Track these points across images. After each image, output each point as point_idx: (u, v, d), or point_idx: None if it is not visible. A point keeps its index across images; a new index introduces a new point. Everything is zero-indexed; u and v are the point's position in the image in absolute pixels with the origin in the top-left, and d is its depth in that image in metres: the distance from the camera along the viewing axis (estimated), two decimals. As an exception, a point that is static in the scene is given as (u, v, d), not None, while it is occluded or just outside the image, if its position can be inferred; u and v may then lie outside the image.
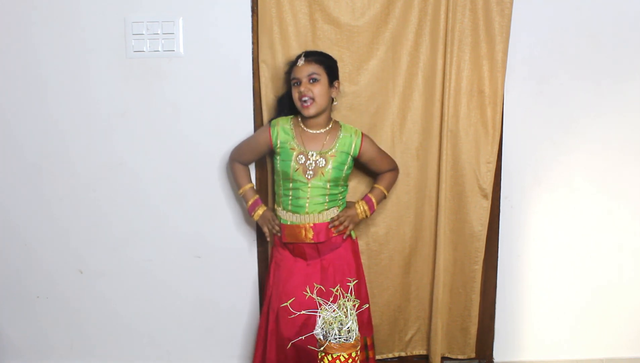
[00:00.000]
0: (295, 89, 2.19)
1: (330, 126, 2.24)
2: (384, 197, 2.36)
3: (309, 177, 2.20)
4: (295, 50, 2.33)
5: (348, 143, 2.23)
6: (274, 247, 2.34)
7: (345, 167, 2.24)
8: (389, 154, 2.38)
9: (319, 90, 2.17)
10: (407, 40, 2.38)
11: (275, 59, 2.37)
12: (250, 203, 2.34)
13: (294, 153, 2.20)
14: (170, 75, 2.43)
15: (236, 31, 2.40)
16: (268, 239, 2.34)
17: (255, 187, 2.41)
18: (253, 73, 2.42)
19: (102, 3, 2.38)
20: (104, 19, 2.39)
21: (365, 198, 2.32)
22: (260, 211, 2.33)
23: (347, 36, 2.37)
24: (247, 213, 2.41)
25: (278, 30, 2.36)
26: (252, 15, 2.39)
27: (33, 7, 2.39)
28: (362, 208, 2.30)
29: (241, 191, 2.36)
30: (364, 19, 2.36)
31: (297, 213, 2.22)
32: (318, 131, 2.23)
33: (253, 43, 2.40)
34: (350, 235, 2.31)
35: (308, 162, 2.20)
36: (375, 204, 2.32)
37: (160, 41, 2.40)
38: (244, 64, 2.42)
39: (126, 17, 2.39)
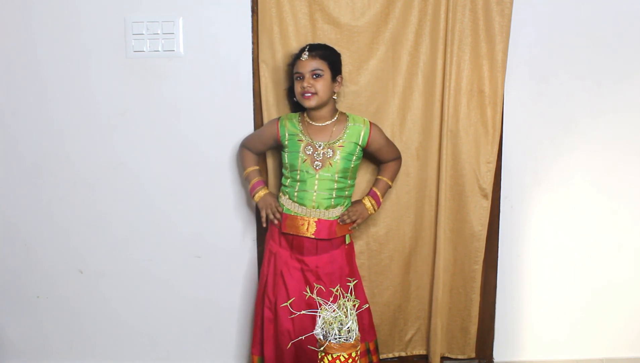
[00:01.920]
0: (298, 83, 2.19)
1: (336, 117, 2.25)
2: (389, 187, 2.36)
3: (317, 168, 2.20)
4: (295, 50, 2.32)
5: (357, 133, 2.22)
6: (271, 237, 2.31)
7: (354, 157, 2.23)
8: None
9: (321, 85, 2.16)
10: (407, 40, 2.38)
11: (275, 59, 2.37)
12: (252, 183, 2.32)
13: (302, 144, 2.20)
14: (170, 75, 2.43)
15: (236, 31, 2.40)
16: (264, 225, 2.30)
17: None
18: (253, 73, 2.42)
19: (102, 3, 2.38)
20: (104, 19, 2.39)
21: (370, 193, 2.33)
22: (261, 192, 2.30)
23: (347, 36, 2.37)
24: (249, 195, 2.37)
25: (278, 30, 2.36)
26: (252, 15, 2.39)
27: (33, 7, 2.39)
28: (370, 202, 2.31)
29: (245, 172, 2.35)
30: (364, 19, 2.36)
31: (303, 205, 2.22)
32: (324, 124, 2.23)
33: (253, 43, 2.40)
34: (344, 240, 2.30)
35: (316, 153, 2.20)
36: (380, 197, 2.33)
37: (160, 41, 2.40)
38: (244, 64, 2.42)
39: (126, 17, 2.39)
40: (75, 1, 2.39)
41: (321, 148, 2.20)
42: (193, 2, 2.38)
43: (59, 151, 2.48)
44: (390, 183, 2.35)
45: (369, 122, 2.26)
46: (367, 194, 2.33)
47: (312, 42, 2.33)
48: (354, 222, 2.28)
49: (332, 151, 2.20)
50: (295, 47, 2.34)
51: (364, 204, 2.30)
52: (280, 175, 2.35)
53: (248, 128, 2.44)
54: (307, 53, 2.18)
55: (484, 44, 2.37)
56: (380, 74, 2.40)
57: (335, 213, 2.24)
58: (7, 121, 2.47)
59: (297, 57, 2.21)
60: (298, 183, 2.22)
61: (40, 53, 2.42)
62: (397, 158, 2.37)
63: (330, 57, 2.21)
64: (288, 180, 2.25)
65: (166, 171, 2.49)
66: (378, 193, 2.32)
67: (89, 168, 2.49)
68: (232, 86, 2.43)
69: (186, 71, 2.42)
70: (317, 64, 2.16)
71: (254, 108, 2.44)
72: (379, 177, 2.35)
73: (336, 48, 2.33)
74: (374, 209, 2.32)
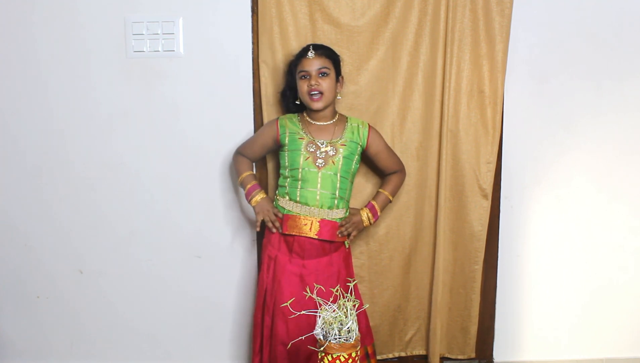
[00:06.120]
0: (303, 81, 2.18)
1: (336, 118, 2.25)
2: (389, 202, 2.34)
3: (320, 166, 2.18)
4: (295, 50, 2.32)
5: (356, 132, 2.23)
6: (268, 242, 2.28)
7: (355, 158, 2.23)
8: None
9: (328, 84, 2.16)
10: (407, 40, 2.38)
11: (275, 59, 2.37)
12: (248, 187, 2.28)
13: (304, 142, 2.19)
14: (170, 75, 2.43)
15: (236, 31, 2.40)
16: (257, 229, 2.25)
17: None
18: (253, 73, 2.42)
19: (102, 3, 2.38)
20: (104, 19, 2.39)
21: (368, 206, 2.32)
22: (258, 196, 2.26)
23: (347, 36, 2.37)
24: (245, 200, 2.34)
25: (278, 30, 2.36)
26: (252, 15, 2.39)
27: (33, 7, 2.39)
28: (366, 215, 2.30)
29: (240, 178, 2.31)
30: (364, 19, 2.36)
31: (306, 204, 2.19)
32: (325, 123, 2.23)
33: (253, 43, 2.40)
34: (344, 243, 2.29)
35: (319, 151, 2.19)
36: (379, 211, 2.31)
37: (160, 41, 2.40)
38: (244, 64, 2.42)
39: (126, 17, 2.39)
40: (75, 1, 2.39)
41: (324, 145, 2.19)
42: (193, 2, 2.38)
43: (59, 151, 2.48)
44: (390, 198, 2.33)
45: (367, 124, 2.27)
46: (366, 206, 2.32)
47: (312, 43, 2.33)
48: (350, 234, 2.27)
49: (335, 149, 2.19)
50: (295, 47, 2.34)
51: (361, 216, 2.29)
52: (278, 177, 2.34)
53: (248, 128, 2.44)
54: (313, 52, 2.17)
55: (484, 44, 2.37)
56: (380, 74, 2.40)
57: (337, 214, 2.22)
58: (7, 121, 2.47)
59: (300, 56, 2.20)
60: (299, 182, 2.20)
61: (40, 53, 2.42)
62: (399, 170, 2.35)
63: (333, 56, 2.22)
64: (287, 180, 2.23)
65: (166, 171, 2.49)
66: (376, 207, 2.31)
67: (89, 168, 2.49)
68: (232, 86, 2.43)
69: (186, 71, 2.42)
70: (323, 62, 2.17)
71: (254, 108, 2.45)
72: (380, 190, 2.34)
73: (336, 48, 2.34)
74: (370, 223, 2.30)
